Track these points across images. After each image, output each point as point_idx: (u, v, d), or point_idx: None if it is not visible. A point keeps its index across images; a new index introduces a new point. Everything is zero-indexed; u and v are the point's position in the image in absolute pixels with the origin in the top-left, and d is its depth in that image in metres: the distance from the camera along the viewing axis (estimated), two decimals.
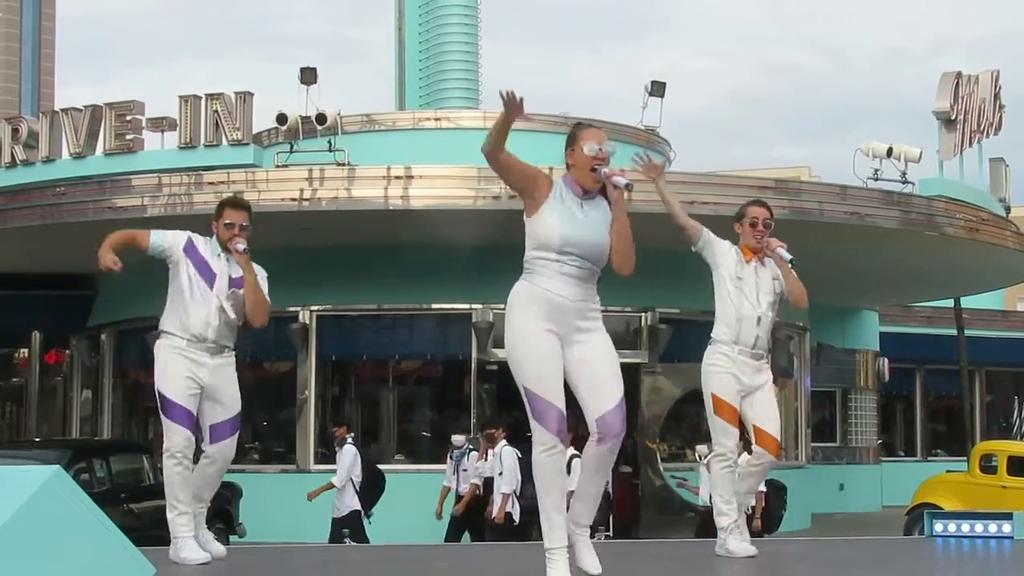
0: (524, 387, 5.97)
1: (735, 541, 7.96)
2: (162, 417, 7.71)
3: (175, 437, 7.63)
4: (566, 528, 6.03)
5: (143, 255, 7.89)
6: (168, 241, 7.87)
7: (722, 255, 8.27)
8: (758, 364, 8.23)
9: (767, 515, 15.13)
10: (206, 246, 7.90)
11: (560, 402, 5.97)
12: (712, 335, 8.32)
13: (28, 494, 4.29)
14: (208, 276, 7.82)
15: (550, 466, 5.97)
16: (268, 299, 7.91)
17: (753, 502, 8.27)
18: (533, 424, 5.96)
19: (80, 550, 4.34)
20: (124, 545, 4.48)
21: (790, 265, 8.20)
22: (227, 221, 7.87)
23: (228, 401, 7.83)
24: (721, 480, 8.16)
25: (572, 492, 6.21)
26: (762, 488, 14.53)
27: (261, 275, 7.94)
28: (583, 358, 6.07)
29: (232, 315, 7.81)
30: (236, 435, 7.86)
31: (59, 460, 15.68)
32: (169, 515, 7.68)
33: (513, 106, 5.85)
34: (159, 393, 7.71)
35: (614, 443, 6.04)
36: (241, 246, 7.77)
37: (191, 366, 7.71)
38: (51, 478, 4.33)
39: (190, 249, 7.84)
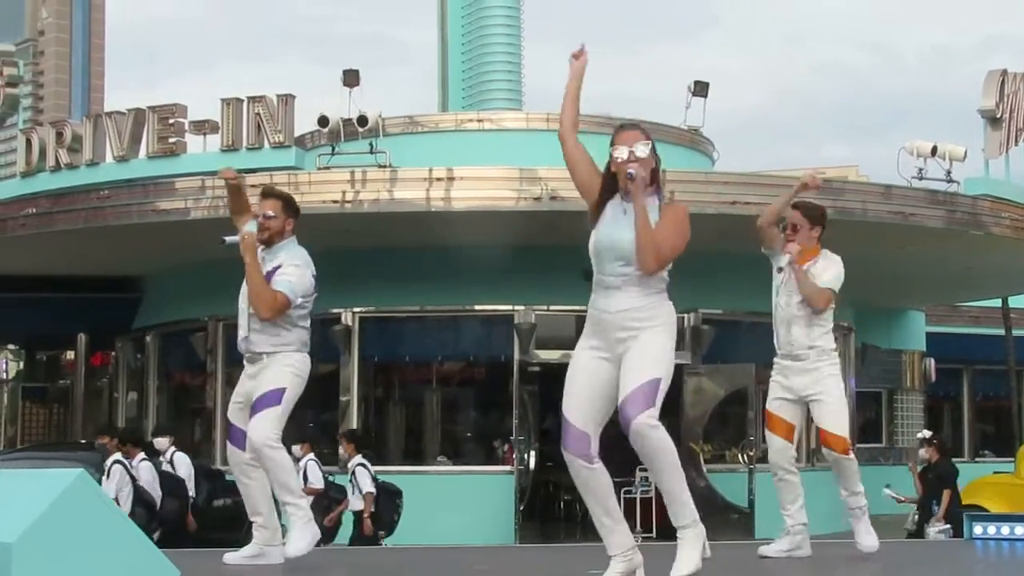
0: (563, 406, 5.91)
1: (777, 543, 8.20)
2: None
3: (229, 455, 7.78)
4: (623, 533, 5.95)
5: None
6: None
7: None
8: (803, 365, 8.24)
9: (377, 518, 15.09)
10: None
11: (579, 421, 5.84)
12: None
13: (53, 497, 4.30)
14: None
15: (578, 480, 5.91)
16: (277, 290, 7.52)
17: (863, 502, 8.34)
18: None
19: (104, 552, 4.34)
20: (148, 548, 4.49)
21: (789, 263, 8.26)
22: (257, 212, 7.75)
23: (256, 395, 7.57)
24: (777, 491, 8.28)
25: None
26: (371, 490, 14.60)
27: (292, 261, 7.63)
28: (623, 367, 5.87)
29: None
30: (257, 423, 7.47)
31: (102, 461, 15.79)
32: None
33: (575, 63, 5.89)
34: None
35: (633, 433, 5.72)
36: (229, 239, 7.70)
37: (241, 381, 7.75)
38: (75, 481, 4.34)
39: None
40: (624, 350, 5.87)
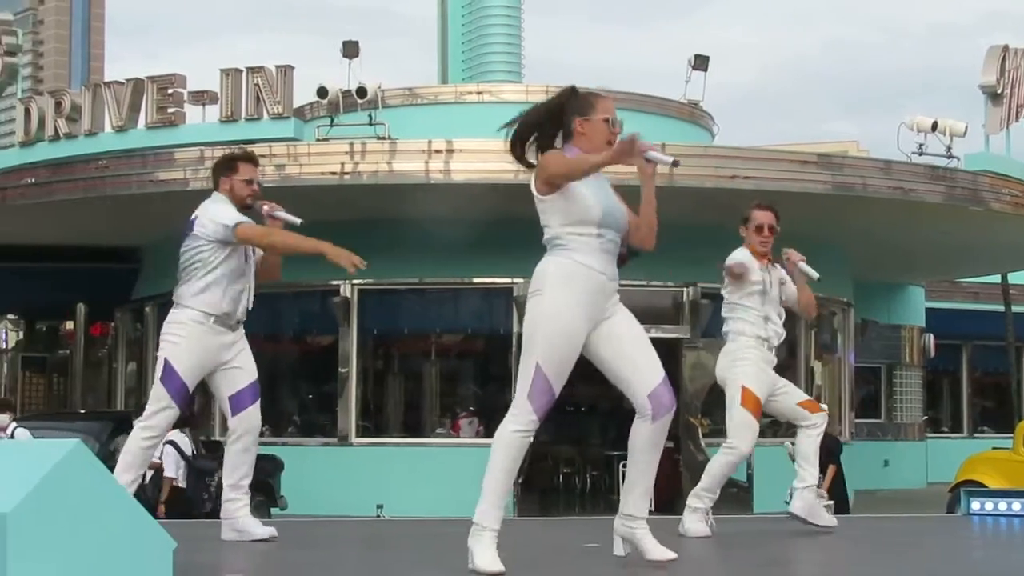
0: (535, 362, 5.67)
1: (696, 522, 7.97)
2: (158, 386, 7.41)
3: (168, 411, 7.41)
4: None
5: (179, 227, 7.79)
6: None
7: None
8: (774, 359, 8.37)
9: (187, 496, 14.90)
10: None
11: (559, 390, 5.74)
12: (736, 329, 8.28)
13: (49, 467, 4.29)
14: (245, 256, 7.62)
15: (521, 449, 5.78)
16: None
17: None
18: (522, 401, 5.68)
19: (99, 523, 4.33)
20: (145, 519, 4.48)
21: (815, 280, 8.27)
22: (246, 177, 7.64)
23: (249, 369, 7.55)
24: (724, 471, 8.18)
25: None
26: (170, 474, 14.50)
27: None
28: (618, 334, 5.81)
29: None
30: (258, 411, 7.55)
31: (101, 431, 15.81)
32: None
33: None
34: (166, 361, 7.41)
35: (667, 418, 5.80)
36: (280, 212, 7.66)
37: (212, 344, 7.46)
38: (71, 452, 4.33)
39: None
40: (609, 317, 5.86)
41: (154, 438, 7.47)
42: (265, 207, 7.73)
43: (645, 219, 5.95)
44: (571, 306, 5.74)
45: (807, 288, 8.33)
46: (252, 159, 7.85)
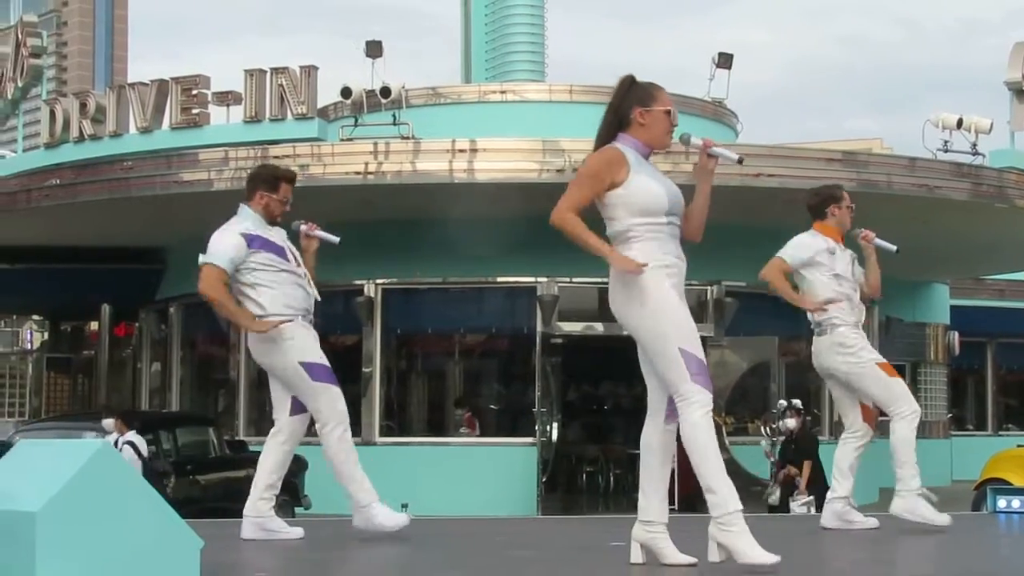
0: (676, 348, 5.66)
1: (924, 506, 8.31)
2: (316, 385, 7.44)
3: (338, 395, 7.51)
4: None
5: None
6: (235, 252, 7.42)
7: (816, 254, 8.31)
8: None
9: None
10: (259, 227, 7.53)
11: (704, 356, 5.80)
12: (832, 319, 8.30)
13: (77, 467, 4.32)
14: (286, 255, 7.55)
15: (713, 426, 5.80)
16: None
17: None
18: (690, 387, 5.66)
19: (128, 522, 4.36)
20: (172, 518, 4.50)
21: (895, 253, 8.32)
22: (284, 199, 7.61)
23: None
24: (913, 435, 8.60)
25: None
26: None
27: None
28: None
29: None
30: None
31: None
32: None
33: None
34: (306, 364, 7.39)
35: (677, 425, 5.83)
36: (318, 232, 7.73)
37: (313, 335, 7.53)
38: (99, 451, 4.35)
39: (254, 241, 7.44)
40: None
41: (346, 431, 7.62)
42: (303, 226, 7.76)
43: (699, 213, 6.00)
44: (671, 291, 5.77)
45: (877, 267, 8.40)
46: (293, 180, 7.80)
